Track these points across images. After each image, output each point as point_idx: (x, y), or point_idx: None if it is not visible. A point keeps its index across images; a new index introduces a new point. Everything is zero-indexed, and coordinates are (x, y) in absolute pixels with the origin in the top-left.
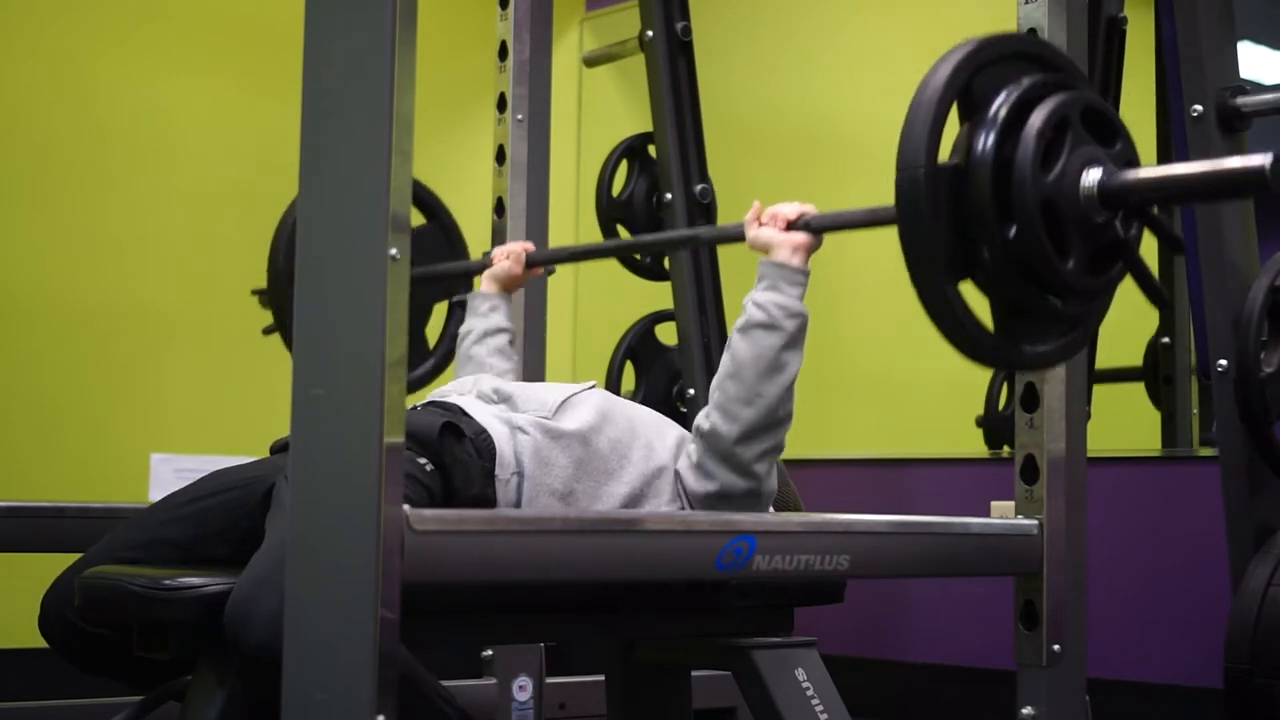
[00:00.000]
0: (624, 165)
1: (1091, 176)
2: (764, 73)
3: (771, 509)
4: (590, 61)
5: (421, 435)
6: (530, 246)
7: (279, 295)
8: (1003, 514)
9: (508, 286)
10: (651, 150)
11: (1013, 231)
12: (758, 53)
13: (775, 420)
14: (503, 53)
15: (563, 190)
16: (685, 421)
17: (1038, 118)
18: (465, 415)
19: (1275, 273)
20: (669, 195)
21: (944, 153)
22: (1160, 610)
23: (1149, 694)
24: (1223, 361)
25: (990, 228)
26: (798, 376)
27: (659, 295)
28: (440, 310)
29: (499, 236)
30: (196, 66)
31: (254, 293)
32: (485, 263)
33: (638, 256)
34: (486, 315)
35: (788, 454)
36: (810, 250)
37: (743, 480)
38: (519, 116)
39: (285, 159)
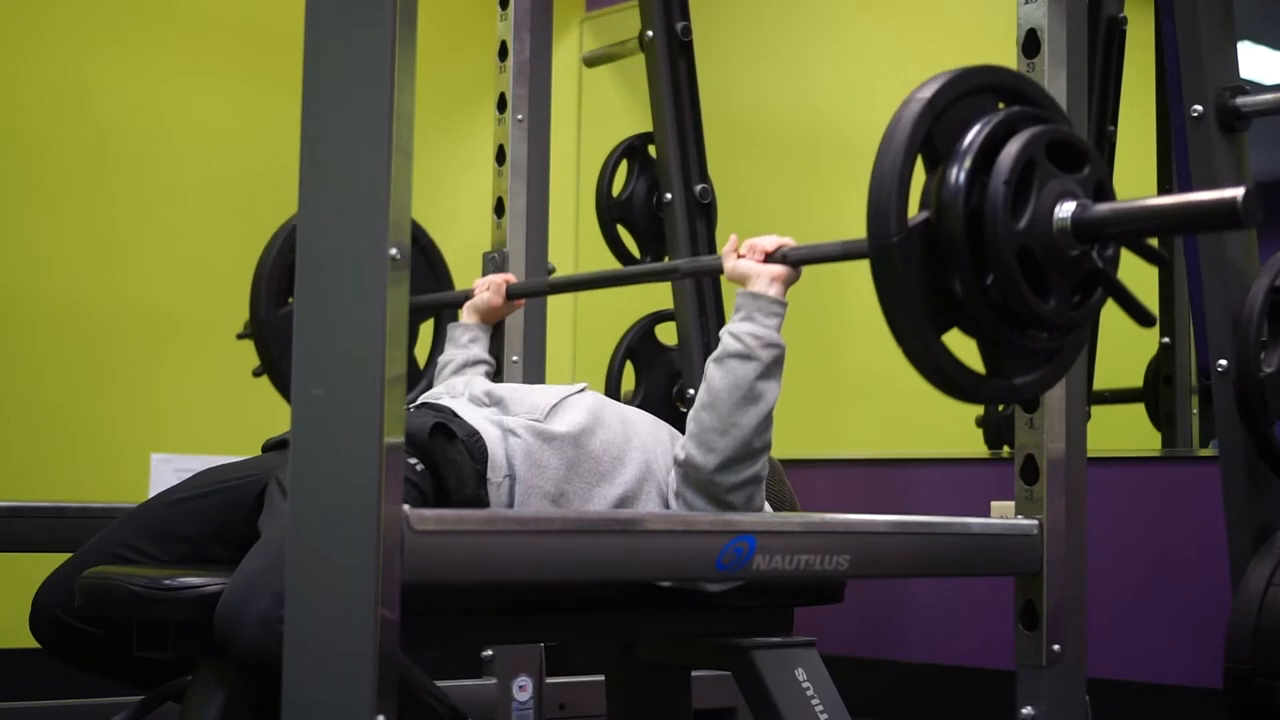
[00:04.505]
0: (624, 165)
1: (1064, 211)
2: (764, 73)
3: (769, 508)
4: (590, 61)
5: (412, 435)
6: (511, 278)
7: (263, 340)
8: (1003, 514)
9: (488, 318)
10: (651, 150)
11: (990, 280)
12: (758, 53)
13: (751, 451)
14: (503, 53)
15: (563, 190)
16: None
17: (1003, 163)
18: (456, 417)
19: (1275, 273)
20: (669, 195)
21: (914, 189)
22: (1160, 610)
23: (1149, 694)
24: (1223, 361)
25: (968, 279)
26: (774, 407)
27: (659, 295)
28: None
29: (499, 236)
30: (197, 66)
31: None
32: (467, 293)
33: (637, 255)
34: (466, 346)
35: (788, 454)
36: (788, 282)
37: (721, 511)
38: (519, 116)
39: (285, 158)
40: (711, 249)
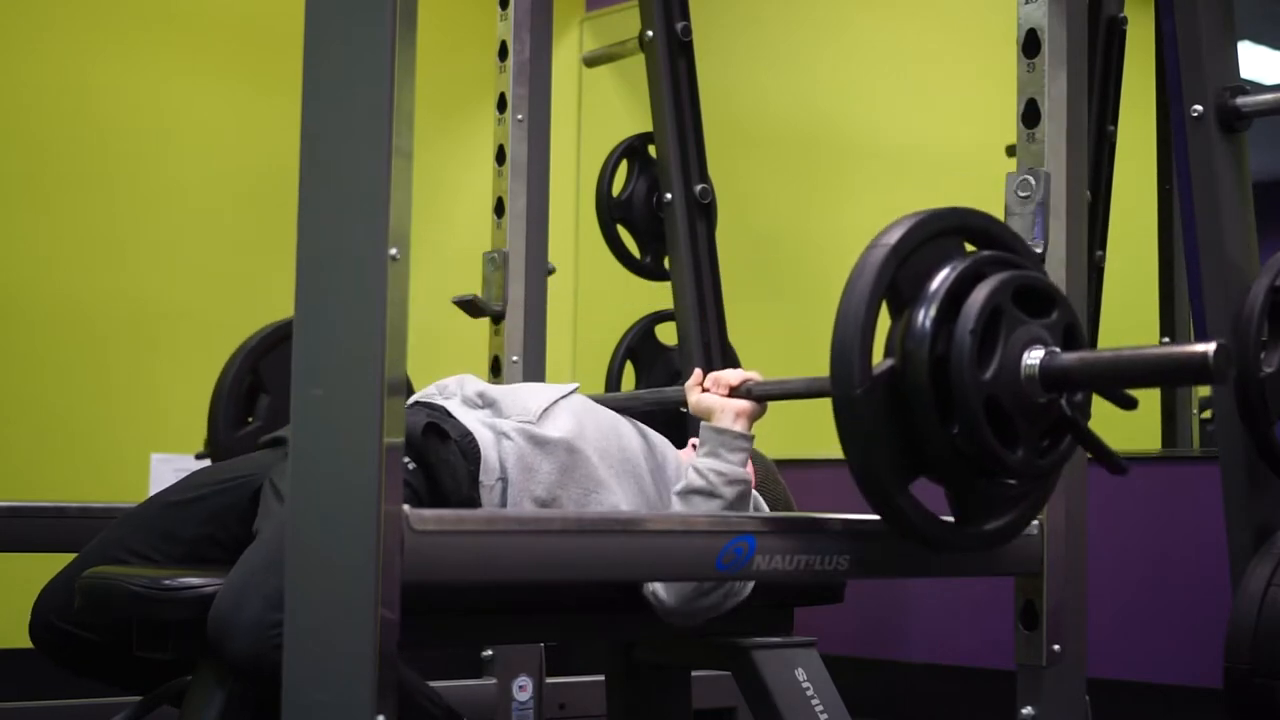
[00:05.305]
0: (624, 165)
1: (1032, 358)
2: (764, 73)
3: (766, 508)
4: (590, 61)
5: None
6: None
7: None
8: None
9: None
10: (651, 150)
11: (956, 429)
12: (758, 53)
13: (713, 586)
14: (503, 53)
15: (563, 190)
16: (684, 421)
17: (969, 310)
18: (450, 417)
19: (1275, 273)
20: (669, 195)
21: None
22: (1160, 610)
23: (1149, 694)
24: None
25: (933, 428)
26: None
27: (659, 295)
28: None
29: (499, 237)
30: (197, 67)
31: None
32: None
33: (637, 255)
34: None
35: (788, 454)
36: (753, 417)
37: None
38: (519, 116)
39: (285, 158)
40: (711, 249)
